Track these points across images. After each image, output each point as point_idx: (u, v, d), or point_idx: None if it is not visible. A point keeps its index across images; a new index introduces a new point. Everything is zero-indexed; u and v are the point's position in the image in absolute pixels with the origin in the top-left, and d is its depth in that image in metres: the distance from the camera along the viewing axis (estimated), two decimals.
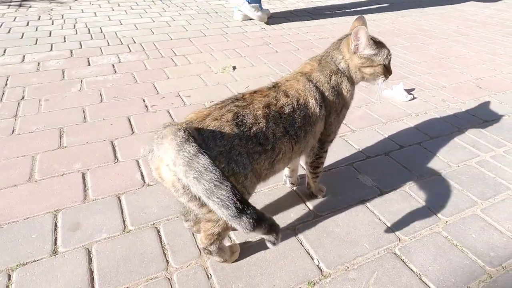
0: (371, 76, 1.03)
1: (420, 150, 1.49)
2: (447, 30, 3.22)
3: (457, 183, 1.29)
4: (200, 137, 0.73)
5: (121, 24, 3.06)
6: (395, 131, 1.62)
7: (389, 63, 1.04)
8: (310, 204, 1.17)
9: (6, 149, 1.39)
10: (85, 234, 1.02)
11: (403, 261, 0.98)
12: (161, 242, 1.01)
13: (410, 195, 1.23)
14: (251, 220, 0.65)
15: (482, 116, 1.76)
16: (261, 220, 0.67)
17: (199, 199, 0.69)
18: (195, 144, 0.67)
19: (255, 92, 0.88)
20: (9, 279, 0.89)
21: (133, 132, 1.53)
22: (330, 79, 0.98)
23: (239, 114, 0.79)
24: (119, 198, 1.16)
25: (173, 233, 1.03)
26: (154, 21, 3.18)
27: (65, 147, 1.42)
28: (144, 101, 1.80)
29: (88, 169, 1.29)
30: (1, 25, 2.88)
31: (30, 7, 3.48)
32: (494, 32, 3.19)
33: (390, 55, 1.03)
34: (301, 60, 2.40)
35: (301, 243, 1.03)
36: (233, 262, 0.95)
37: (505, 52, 2.68)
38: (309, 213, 1.14)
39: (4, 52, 2.35)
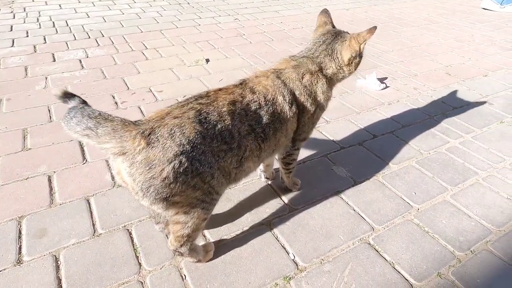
0: (355, 69, 1.03)
1: (392, 139, 1.51)
2: (419, 18, 3.27)
3: (428, 170, 1.32)
4: (154, 136, 0.70)
5: (88, 17, 2.93)
6: (368, 120, 1.63)
7: None
8: (285, 198, 1.17)
9: None
10: (52, 240, 0.98)
11: (376, 250, 1.00)
12: (133, 244, 0.98)
13: (383, 184, 1.25)
14: None
15: (451, 103, 1.81)
16: None
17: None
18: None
19: (220, 89, 0.85)
20: None
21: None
22: (303, 78, 0.96)
23: (202, 112, 0.77)
24: (88, 200, 1.12)
25: (145, 235, 1.01)
26: (123, 13, 3.06)
27: (29, 149, 1.35)
28: (113, 98, 1.74)
29: (54, 172, 1.23)
30: None
31: None
32: (462, 19, 3.26)
33: None
34: (275, 51, 2.38)
35: (276, 238, 1.02)
36: (207, 261, 0.93)
37: (473, 39, 2.75)
38: (284, 207, 1.13)
39: None
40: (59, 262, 0.92)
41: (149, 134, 0.71)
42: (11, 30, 2.56)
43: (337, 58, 0.99)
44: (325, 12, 1.07)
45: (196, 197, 0.76)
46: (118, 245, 0.97)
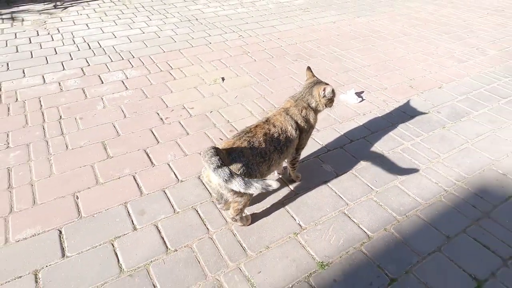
0: (329, 106, 1.63)
1: (364, 143, 2.13)
2: (394, 30, 3.87)
3: (386, 165, 1.95)
4: (231, 157, 1.31)
5: (115, 37, 3.46)
6: (348, 128, 2.25)
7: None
8: (292, 186, 1.79)
9: (68, 162, 1.89)
10: (150, 216, 1.59)
11: (349, 217, 1.63)
12: (200, 217, 1.59)
13: (356, 176, 1.87)
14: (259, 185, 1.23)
15: (409, 113, 2.43)
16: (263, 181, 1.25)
17: (232, 190, 1.29)
18: (218, 163, 1.22)
19: (256, 126, 1.45)
20: (113, 246, 1.45)
21: (158, 142, 2.07)
22: (301, 112, 1.57)
23: (250, 141, 1.37)
24: (164, 191, 1.72)
25: (207, 212, 1.62)
26: (143, 32, 3.59)
27: (112, 157, 1.94)
28: (158, 114, 2.32)
29: (135, 172, 1.83)
30: (6, 44, 3.20)
31: (23, 20, 3.77)
32: (431, 31, 3.87)
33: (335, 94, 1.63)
34: (276, 68, 2.96)
35: (287, 211, 1.64)
36: (248, 225, 1.55)
37: (437, 52, 3.37)
38: (291, 192, 1.76)
39: (24, 73, 2.74)
40: (159, 228, 1.53)
41: (228, 156, 1.31)
42: (56, 53, 3.09)
43: (315, 97, 1.60)
44: (309, 68, 1.70)
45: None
46: (192, 218, 1.58)
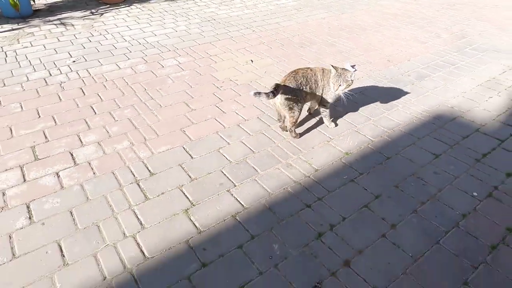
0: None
1: (361, 94, 3.12)
2: (371, 22, 4.94)
3: (358, 119, 2.95)
4: (284, 87, 2.27)
5: (155, 35, 4.33)
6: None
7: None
8: (317, 117, 2.76)
9: (167, 114, 2.77)
10: (235, 137, 2.51)
11: (308, 163, 2.61)
12: (267, 136, 2.53)
13: (354, 112, 2.86)
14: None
15: (388, 76, 3.46)
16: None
17: (286, 107, 2.27)
18: (273, 91, 2.19)
19: (299, 68, 2.42)
20: (219, 152, 2.37)
21: (221, 100, 2.98)
22: (330, 78, 2.52)
23: (295, 76, 2.32)
24: (239, 125, 2.65)
25: (271, 134, 2.56)
26: (176, 31, 4.48)
27: (195, 109, 2.83)
28: (214, 85, 3.23)
29: (216, 117, 2.74)
30: (72, 43, 4.01)
31: (72, 25, 4.57)
32: (399, 22, 4.97)
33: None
34: (287, 52, 3.93)
35: (319, 131, 2.61)
36: (297, 138, 2.50)
37: (405, 37, 4.45)
38: (319, 121, 2.72)
39: (100, 62, 3.58)
40: (244, 143, 2.46)
41: (283, 85, 2.27)
42: (115, 48, 3.93)
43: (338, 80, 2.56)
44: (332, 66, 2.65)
45: (298, 106, 2.32)
46: (262, 137, 2.52)
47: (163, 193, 2.03)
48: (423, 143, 2.51)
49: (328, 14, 5.26)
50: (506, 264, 1.65)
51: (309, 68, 2.46)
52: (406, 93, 3.16)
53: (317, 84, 2.45)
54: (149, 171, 2.20)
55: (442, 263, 1.66)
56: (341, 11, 5.42)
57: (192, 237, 1.77)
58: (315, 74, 2.44)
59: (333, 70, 2.36)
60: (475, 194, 2.06)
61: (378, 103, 3.00)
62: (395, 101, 3.03)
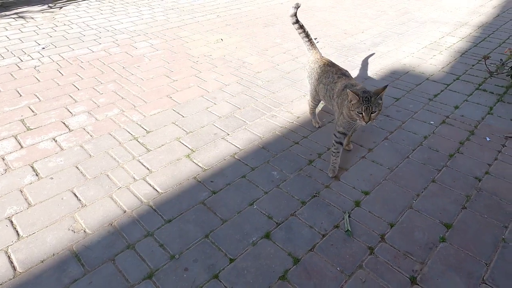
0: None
1: None
2: (325, 5, 5.36)
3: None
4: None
5: (122, 23, 4.38)
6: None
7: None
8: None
9: (150, 85, 2.89)
10: (220, 98, 2.70)
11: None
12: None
13: None
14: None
15: (347, 46, 3.84)
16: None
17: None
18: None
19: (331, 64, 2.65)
20: (207, 110, 2.55)
21: (200, 72, 3.16)
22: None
23: (325, 68, 2.53)
24: (221, 89, 2.85)
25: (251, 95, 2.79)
26: (142, 18, 4.56)
27: (176, 80, 2.98)
28: (190, 60, 3.40)
29: (198, 85, 2.91)
30: (37, 33, 3.95)
31: (32, 18, 4.47)
32: (351, 4, 5.44)
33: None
34: (254, 31, 4.19)
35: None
36: (317, 126, 2.76)
37: (356, 15, 4.90)
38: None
39: (71, 47, 3.58)
40: (229, 102, 2.66)
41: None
42: (84, 35, 3.94)
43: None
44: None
45: (310, 91, 2.56)
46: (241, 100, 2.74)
47: (163, 145, 2.18)
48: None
49: (285, 0, 5.61)
50: (462, 165, 2.02)
51: (337, 71, 2.05)
52: (364, 56, 3.55)
53: (333, 93, 1.98)
54: (145, 129, 2.33)
55: (413, 170, 1.99)
56: None
57: (198, 174, 1.95)
58: (335, 82, 1.99)
59: (353, 97, 1.66)
60: (432, 122, 2.44)
61: (344, 66, 3.34)
62: (356, 62, 3.40)
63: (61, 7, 4.95)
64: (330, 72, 2.06)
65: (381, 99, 1.66)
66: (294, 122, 2.44)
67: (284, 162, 2.04)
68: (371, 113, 1.63)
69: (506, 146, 2.19)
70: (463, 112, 2.56)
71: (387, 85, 1.71)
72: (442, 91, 2.87)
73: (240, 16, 4.78)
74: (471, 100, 2.72)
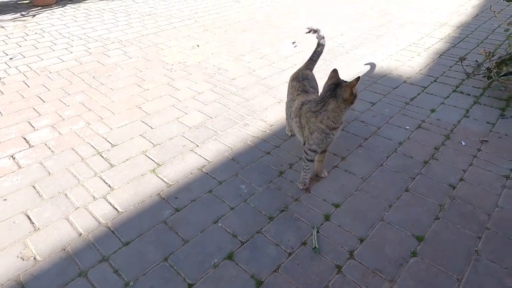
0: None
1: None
2: (304, 10, 5.31)
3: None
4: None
5: (96, 30, 4.26)
6: (292, 61, 3.50)
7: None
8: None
9: (119, 95, 2.79)
10: (192, 108, 2.61)
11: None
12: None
13: None
14: None
15: (326, 49, 3.78)
16: None
17: None
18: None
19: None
20: (177, 121, 2.46)
21: (173, 80, 3.06)
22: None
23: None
24: (194, 98, 2.76)
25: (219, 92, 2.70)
26: (117, 25, 4.44)
27: (148, 89, 2.89)
28: (164, 68, 3.30)
29: (170, 94, 2.82)
30: (6, 43, 3.81)
31: (2, 27, 4.33)
32: (333, 8, 5.40)
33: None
34: (232, 36, 4.12)
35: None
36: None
37: (335, 18, 4.86)
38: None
39: (40, 57, 3.46)
40: (201, 111, 2.57)
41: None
42: (55, 44, 3.82)
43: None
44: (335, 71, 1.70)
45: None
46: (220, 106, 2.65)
47: (128, 159, 2.08)
48: (361, 95, 2.81)
49: (266, 4, 5.55)
50: (436, 172, 1.96)
51: (299, 87, 1.92)
52: (343, 60, 3.49)
53: (291, 111, 1.87)
54: (110, 143, 2.22)
55: (386, 179, 1.92)
56: (275, 1, 5.75)
57: (162, 190, 1.85)
58: (293, 100, 1.87)
59: (300, 106, 1.76)
60: (407, 127, 2.38)
61: (321, 69, 3.28)
62: (334, 66, 3.33)
63: (34, 15, 4.81)
64: (293, 88, 1.93)
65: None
66: (267, 130, 2.37)
67: (254, 174, 1.96)
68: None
69: (481, 150, 2.14)
70: (439, 115, 2.51)
71: (359, 77, 1.61)
72: (419, 94, 2.82)
73: (218, 21, 4.70)
74: (447, 103, 2.67)
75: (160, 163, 2.05)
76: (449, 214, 1.69)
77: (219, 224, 1.64)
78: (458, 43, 3.87)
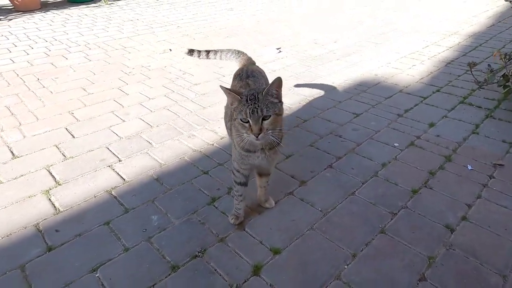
0: None
1: (284, 69, 2.92)
2: (292, 18, 4.89)
3: (304, 76, 2.74)
4: None
5: (67, 34, 3.94)
6: (280, 64, 3.03)
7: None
8: None
9: (58, 99, 2.37)
10: (133, 115, 2.15)
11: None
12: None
13: None
14: None
15: (314, 55, 3.31)
16: None
17: None
18: None
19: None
20: (110, 134, 1.99)
21: (127, 84, 2.63)
22: None
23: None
24: (141, 104, 2.30)
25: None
26: (92, 30, 4.11)
27: (92, 93, 2.46)
28: (123, 71, 2.88)
29: (116, 99, 2.37)
30: None
31: None
32: (331, 17, 4.97)
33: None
34: (213, 42, 3.70)
35: None
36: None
37: (331, 25, 4.41)
38: None
39: None
40: (142, 119, 2.10)
41: None
42: (16, 46, 3.48)
43: None
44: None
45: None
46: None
47: (22, 175, 1.61)
48: (344, 105, 2.30)
49: (259, 12, 5.17)
50: (429, 206, 1.41)
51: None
52: (331, 67, 3.00)
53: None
54: (13, 154, 1.76)
55: (356, 213, 1.38)
56: (270, 10, 5.38)
57: (46, 218, 1.36)
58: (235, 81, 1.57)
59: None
60: (396, 144, 1.84)
61: (303, 76, 2.79)
62: (318, 73, 2.85)
63: (11, 19, 4.55)
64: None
65: (277, 97, 1.09)
66: (214, 144, 1.87)
67: (176, 201, 1.45)
68: (262, 119, 1.04)
69: (494, 177, 1.57)
70: (439, 131, 1.96)
71: (279, 77, 1.09)
72: (416, 105, 2.28)
73: (203, 27, 4.31)
74: (451, 116, 2.12)
75: (61, 182, 1.56)
76: (443, 273, 1.13)
77: (97, 275, 1.13)
78: (469, 51, 3.32)
